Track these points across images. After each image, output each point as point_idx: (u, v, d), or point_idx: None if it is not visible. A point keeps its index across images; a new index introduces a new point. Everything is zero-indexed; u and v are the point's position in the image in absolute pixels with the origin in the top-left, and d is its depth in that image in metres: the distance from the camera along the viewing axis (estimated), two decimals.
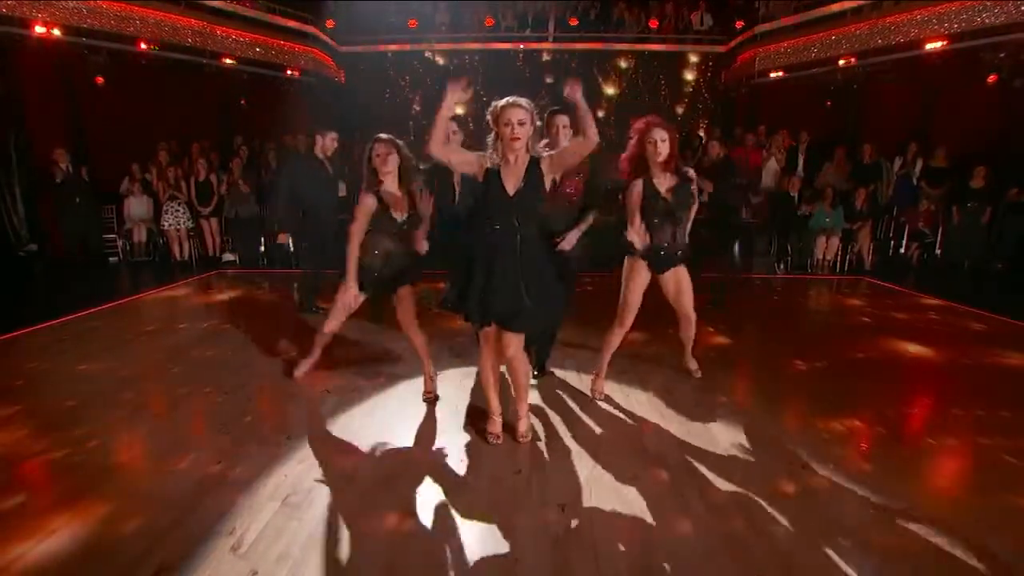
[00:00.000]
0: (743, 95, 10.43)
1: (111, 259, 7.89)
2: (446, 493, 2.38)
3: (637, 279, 3.18)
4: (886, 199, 7.91)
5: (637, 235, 3.12)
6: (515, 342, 2.60)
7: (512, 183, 2.47)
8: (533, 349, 3.44)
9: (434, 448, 2.76)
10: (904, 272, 7.33)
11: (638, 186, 3.09)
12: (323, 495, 2.34)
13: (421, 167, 3.21)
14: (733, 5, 10.63)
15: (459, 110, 3.47)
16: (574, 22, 10.93)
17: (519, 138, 2.40)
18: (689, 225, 3.25)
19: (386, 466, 2.59)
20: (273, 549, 2.02)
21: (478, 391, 3.06)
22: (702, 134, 8.77)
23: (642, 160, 3.08)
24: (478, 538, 2.09)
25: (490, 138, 2.51)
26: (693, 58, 11.11)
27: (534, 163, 2.50)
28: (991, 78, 7.32)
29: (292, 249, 6.62)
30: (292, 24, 9.65)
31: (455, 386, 3.49)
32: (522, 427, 2.82)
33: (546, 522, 2.18)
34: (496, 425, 2.83)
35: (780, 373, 3.78)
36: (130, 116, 8.24)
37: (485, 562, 1.97)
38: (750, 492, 2.38)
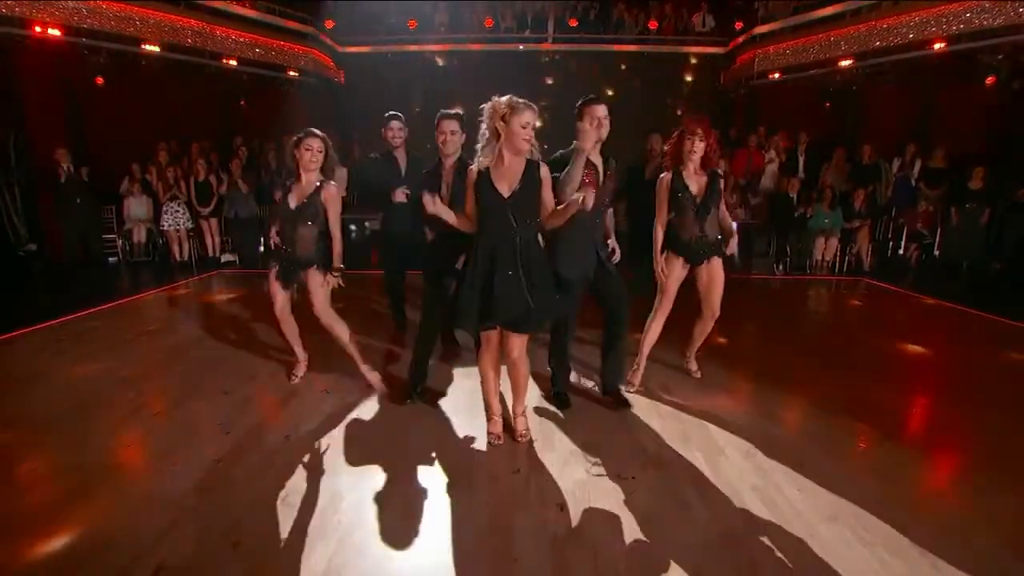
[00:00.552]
0: (742, 96, 10.45)
1: (110, 259, 7.89)
2: (446, 492, 2.38)
3: (673, 273, 3.31)
4: (885, 200, 7.93)
5: (661, 226, 3.28)
6: (519, 344, 2.61)
7: (506, 184, 2.46)
8: (600, 373, 3.35)
9: (434, 448, 2.77)
10: (903, 273, 7.34)
11: (667, 177, 3.24)
12: (322, 494, 2.35)
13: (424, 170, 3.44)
14: (732, 6, 10.65)
15: (459, 110, 3.46)
16: (574, 23, 10.94)
17: (529, 139, 2.42)
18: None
19: (386, 465, 2.59)
20: (272, 548, 2.02)
21: (478, 390, 3.07)
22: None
23: (679, 155, 3.22)
24: (477, 537, 2.10)
25: (483, 134, 2.47)
26: (692, 59, 11.13)
27: (533, 166, 2.49)
28: (989, 80, 7.35)
29: None
30: (292, 25, 9.66)
31: (454, 386, 3.50)
32: (521, 427, 2.83)
33: (545, 522, 2.19)
34: (496, 425, 2.84)
35: (779, 373, 3.79)
36: (130, 116, 8.24)
37: (484, 561, 1.98)
38: (748, 491, 2.38)
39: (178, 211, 7.81)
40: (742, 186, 7.82)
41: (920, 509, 2.29)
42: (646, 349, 3.46)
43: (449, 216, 2.57)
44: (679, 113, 11.21)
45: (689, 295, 3.44)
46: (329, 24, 10.40)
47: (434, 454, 2.71)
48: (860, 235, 7.53)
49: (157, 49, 7.95)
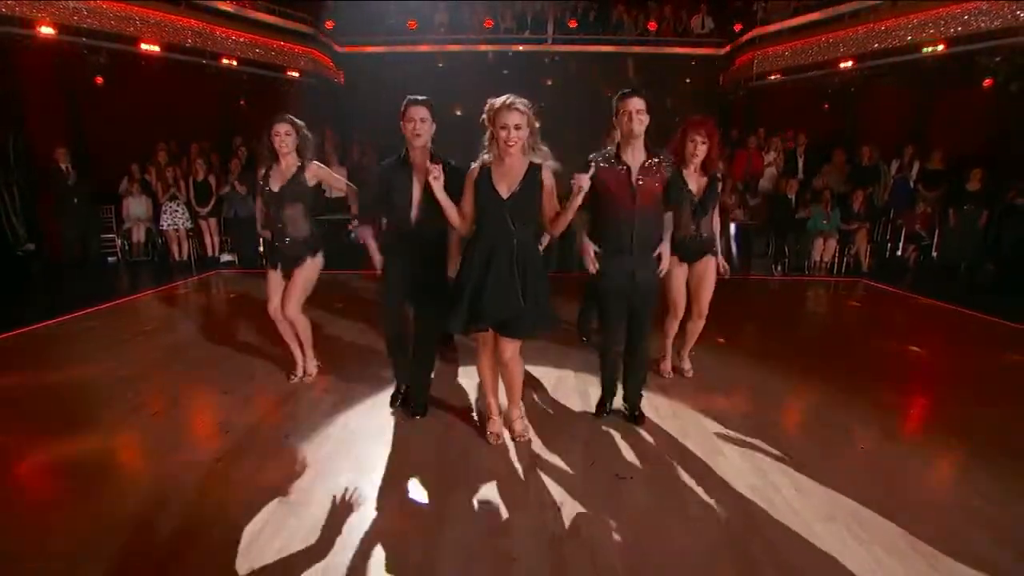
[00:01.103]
0: (741, 98, 10.47)
1: (110, 259, 7.88)
2: (444, 492, 2.39)
3: (673, 271, 3.31)
4: (882, 202, 7.95)
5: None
6: (511, 347, 2.60)
7: (505, 185, 2.44)
8: (624, 392, 3.13)
9: (432, 447, 2.77)
10: (901, 274, 7.36)
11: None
12: (321, 493, 2.35)
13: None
14: (732, 8, 10.67)
15: (458, 112, 3.43)
16: (573, 24, 10.96)
17: (514, 143, 2.36)
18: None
19: (384, 465, 2.60)
20: (272, 546, 2.03)
21: (477, 391, 3.08)
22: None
23: (681, 155, 3.20)
24: (476, 536, 2.11)
25: (485, 136, 2.46)
26: (692, 61, 11.14)
27: (535, 169, 2.45)
28: (987, 82, 7.36)
29: None
30: (292, 25, 9.66)
31: (453, 386, 3.50)
32: (519, 427, 2.84)
33: (544, 521, 2.19)
34: (496, 425, 2.84)
35: (777, 373, 3.80)
36: (130, 116, 8.23)
37: (484, 561, 1.99)
38: (746, 491, 2.39)
39: (177, 211, 7.81)
40: (740, 188, 7.84)
41: (917, 509, 2.30)
42: (668, 344, 3.66)
43: (451, 209, 2.54)
44: (677, 119, 11.22)
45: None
46: (329, 24, 10.42)
47: (434, 453, 2.71)
48: (858, 236, 7.55)
49: (157, 49, 7.96)
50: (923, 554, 2.02)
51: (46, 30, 6.93)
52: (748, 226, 7.79)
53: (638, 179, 2.69)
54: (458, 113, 8.74)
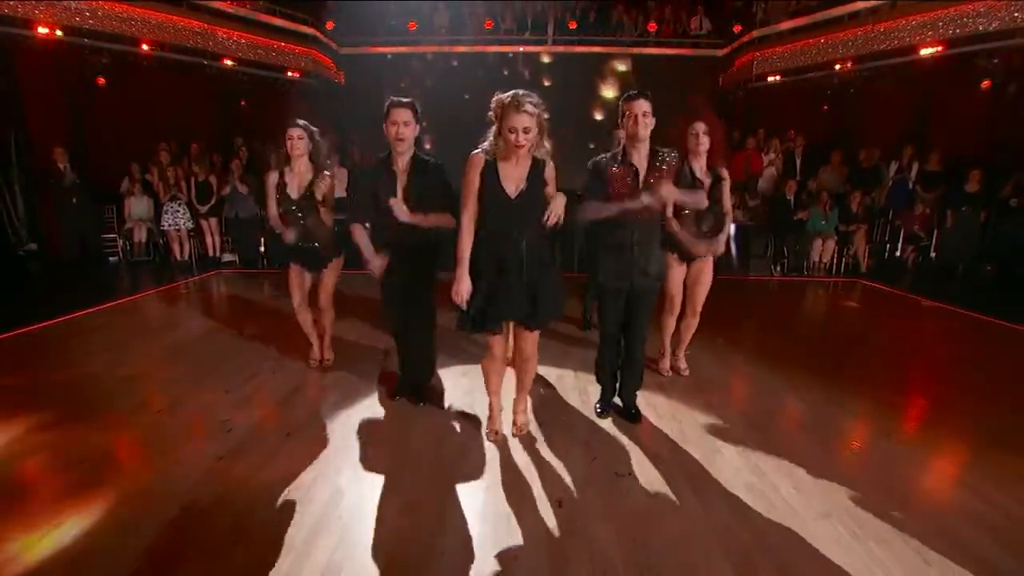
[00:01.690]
0: (741, 99, 10.50)
1: (111, 259, 7.90)
2: (444, 489, 2.41)
3: (672, 268, 3.38)
4: (881, 203, 7.98)
5: (675, 222, 3.24)
6: (532, 340, 2.65)
7: (513, 184, 2.41)
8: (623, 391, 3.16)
9: (434, 444, 2.79)
10: (899, 274, 7.38)
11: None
12: (323, 491, 2.37)
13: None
14: (731, 9, 10.70)
15: (458, 112, 3.46)
16: (573, 25, 10.99)
17: (523, 146, 2.32)
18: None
19: (385, 463, 2.62)
20: (274, 544, 2.04)
21: (477, 389, 3.09)
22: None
23: (685, 151, 3.21)
24: (476, 533, 2.13)
25: (491, 131, 2.39)
26: (691, 62, 11.16)
27: (539, 166, 2.43)
28: (985, 83, 7.39)
29: None
30: (292, 26, 9.69)
31: (454, 384, 3.52)
32: (520, 420, 2.87)
33: (543, 518, 2.21)
34: (496, 422, 2.86)
35: (775, 372, 3.82)
36: (130, 116, 8.26)
37: (483, 557, 2.00)
38: (743, 489, 2.41)
39: (178, 211, 7.82)
40: (740, 189, 7.86)
41: (913, 507, 2.32)
42: (666, 340, 3.69)
43: (441, 219, 2.55)
44: (675, 121, 11.23)
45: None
46: (329, 25, 10.45)
47: (434, 451, 2.73)
48: (857, 237, 7.58)
49: (157, 49, 7.98)
50: (918, 550, 2.04)
51: (47, 30, 6.95)
52: (748, 227, 7.82)
53: (648, 180, 2.68)
54: (458, 114, 8.76)
